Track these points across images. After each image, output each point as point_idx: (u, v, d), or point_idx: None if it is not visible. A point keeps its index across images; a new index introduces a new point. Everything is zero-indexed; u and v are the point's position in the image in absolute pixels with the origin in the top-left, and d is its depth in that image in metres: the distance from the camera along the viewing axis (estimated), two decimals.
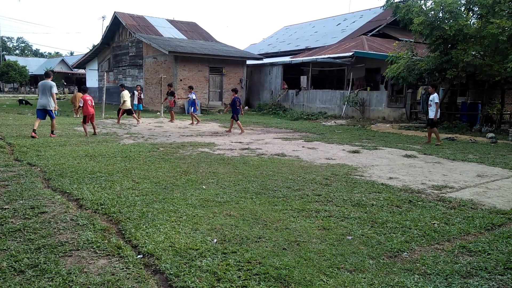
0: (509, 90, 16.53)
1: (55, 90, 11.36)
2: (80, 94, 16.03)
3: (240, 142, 11.44)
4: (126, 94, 16.36)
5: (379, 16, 29.14)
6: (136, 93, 19.24)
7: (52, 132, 11.52)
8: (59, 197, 5.29)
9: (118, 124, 15.98)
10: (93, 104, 12.11)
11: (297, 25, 40.32)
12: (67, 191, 5.54)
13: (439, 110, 11.96)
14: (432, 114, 11.82)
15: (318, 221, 4.57)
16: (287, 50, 32.04)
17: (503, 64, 13.93)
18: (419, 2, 16.71)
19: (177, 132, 13.77)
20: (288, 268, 3.37)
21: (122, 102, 16.36)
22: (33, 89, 60.31)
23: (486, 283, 3.25)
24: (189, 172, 6.96)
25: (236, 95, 14.66)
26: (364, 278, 3.28)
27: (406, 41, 18.10)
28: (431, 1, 15.71)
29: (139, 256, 3.60)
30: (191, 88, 18.05)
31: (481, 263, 3.59)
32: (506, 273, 3.41)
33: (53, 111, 11.50)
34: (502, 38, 13.11)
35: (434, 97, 11.76)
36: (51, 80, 11.59)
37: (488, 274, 3.40)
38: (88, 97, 12.05)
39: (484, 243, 4.04)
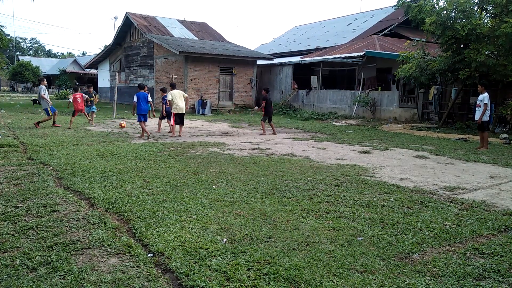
0: None
1: (41, 91, 14.09)
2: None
3: (250, 142, 11.45)
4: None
5: (390, 15, 28.91)
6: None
7: (38, 122, 13.79)
8: (71, 195, 5.35)
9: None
10: (83, 101, 14.91)
11: (308, 25, 40.19)
12: (79, 190, 5.60)
13: (487, 112, 10.76)
14: (478, 115, 10.81)
15: (328, 222, 4.55)
16: (298, 50, 31.95)
17: None
18: (431, 1, 16.51)
19: (187, 132, 13.82)
20: (297, 269, 3.36)
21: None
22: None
23: (499, 286, 3.20)
24: (199, 172, 6.99)
25: (165, 94, 13.38)
26: (375, 279, 3.25)
27: (418, 40, 17.92)
28: (444, 1, 15.52)
29: (149, 254, 3.62)
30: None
31: (494, 265, 3.54)
32: None
33: (48, 108, 14.08)
34: None
35: (484, 98, 10.73)
36: (44, 84, 14.36)
37: (501, 277, 3.35)
38: (78, 95, 14.68)
39: (497, 245, 3.99)
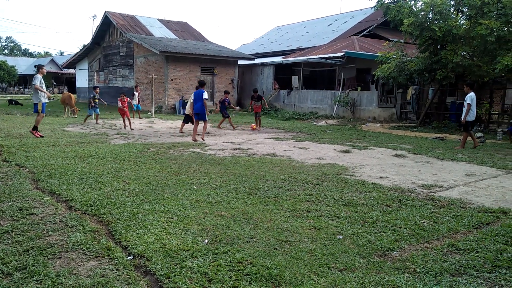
0: (498, 90, 16.74)
1: (34, 82, 10.87)
2: (68, 94, 17.37)
3: (231, 142, 11.43)
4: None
5: (370, 16, 29.33)
6: (136, 94, 20.01)
7: (33, 128, 11.02)
8: (48, 198, 5.23)
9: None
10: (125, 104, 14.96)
11: (289, 26, 40.40)
12: (56, 192, 5.47)
13: (470, 112, 10.88)
14: (463, 115, 11.01)
15: (309, 221, 4.58)
16: (279, 50, 32.11)
17: (491, 65, 14.09)
18: (409, 3, 16.84)
19: (168, 132, 13.70)
20: (279, 268, 3.37)
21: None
22: (22, 89, 59.69)
23: (475, 281, 3.28)
24: (180, 173, 6.93)
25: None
26: (355, 277, 3.29)
27: (396, 41, 18.23)
28: (421, 2, 15.86)
29: (129, 257, 3.57)
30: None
31: (469, 261, 3.63)
32: (494, 271, 3.45)
33: (39, 104, 10.93)
34: (491, 39, 13.25)
35: (467, 98, 10.93)
36: (38, 74, 11.00)
37: (477, 272, 3.44)
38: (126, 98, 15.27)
39: (473, 241, 4.09)
